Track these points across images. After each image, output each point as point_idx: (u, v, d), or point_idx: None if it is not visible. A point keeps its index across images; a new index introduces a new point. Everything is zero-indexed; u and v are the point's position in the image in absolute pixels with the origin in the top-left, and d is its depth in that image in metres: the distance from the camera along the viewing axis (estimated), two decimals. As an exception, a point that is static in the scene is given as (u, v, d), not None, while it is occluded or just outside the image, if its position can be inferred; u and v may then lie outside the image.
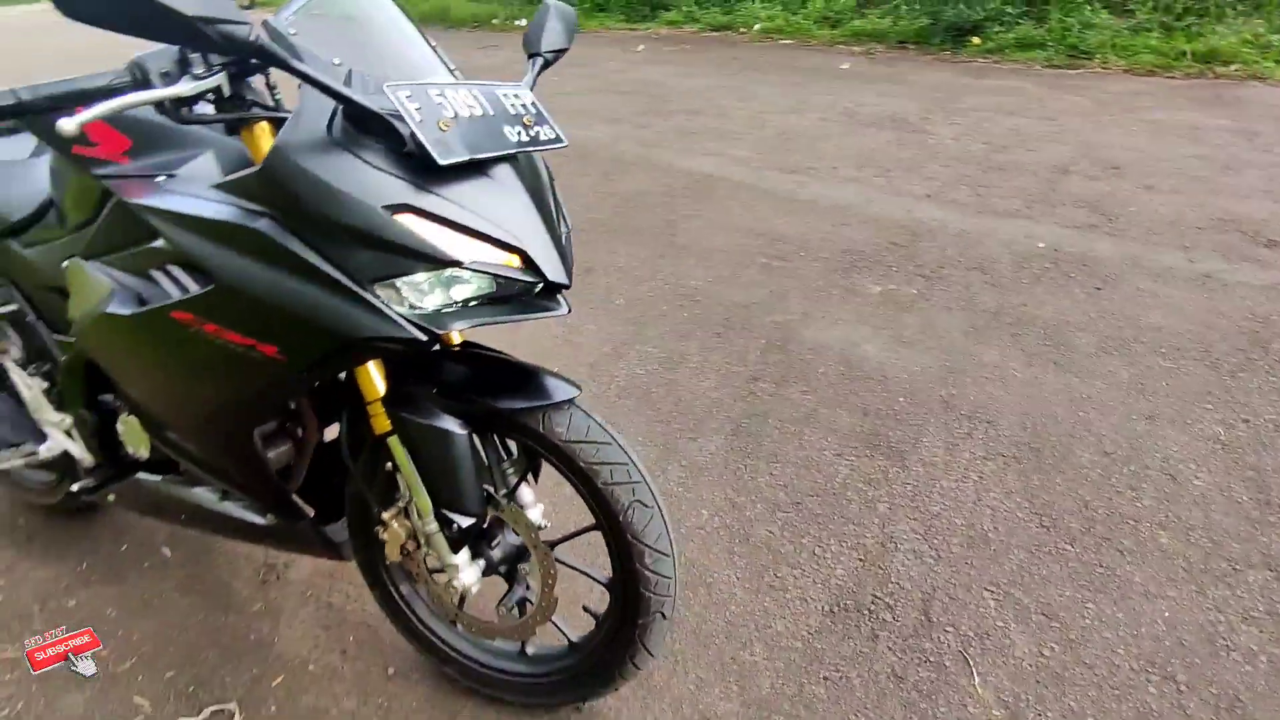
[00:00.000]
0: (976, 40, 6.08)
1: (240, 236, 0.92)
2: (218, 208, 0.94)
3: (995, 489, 1.79)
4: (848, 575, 1.59)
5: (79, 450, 1.48)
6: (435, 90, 0.91)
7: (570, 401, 1.10)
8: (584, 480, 1.10)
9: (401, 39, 1.06)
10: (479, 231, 0.93)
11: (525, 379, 1.13)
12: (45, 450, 1.52)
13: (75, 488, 1.48)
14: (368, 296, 0.90)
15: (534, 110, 1.03)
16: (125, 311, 1.06)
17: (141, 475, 1.43)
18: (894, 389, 2.17)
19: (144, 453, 1.38)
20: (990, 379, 2.18)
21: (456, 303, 0.96)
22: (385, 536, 1.21)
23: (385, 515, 1.19)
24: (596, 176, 4.00)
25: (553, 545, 1.23)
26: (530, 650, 1.34)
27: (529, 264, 0.97)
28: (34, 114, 0.88)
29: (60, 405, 1.48)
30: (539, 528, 1.21)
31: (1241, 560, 1.57)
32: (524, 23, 9.05)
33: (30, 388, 1.50)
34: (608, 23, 8.92)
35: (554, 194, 1.09)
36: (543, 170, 1.09)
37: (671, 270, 2.95)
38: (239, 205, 0.93)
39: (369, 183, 0.87)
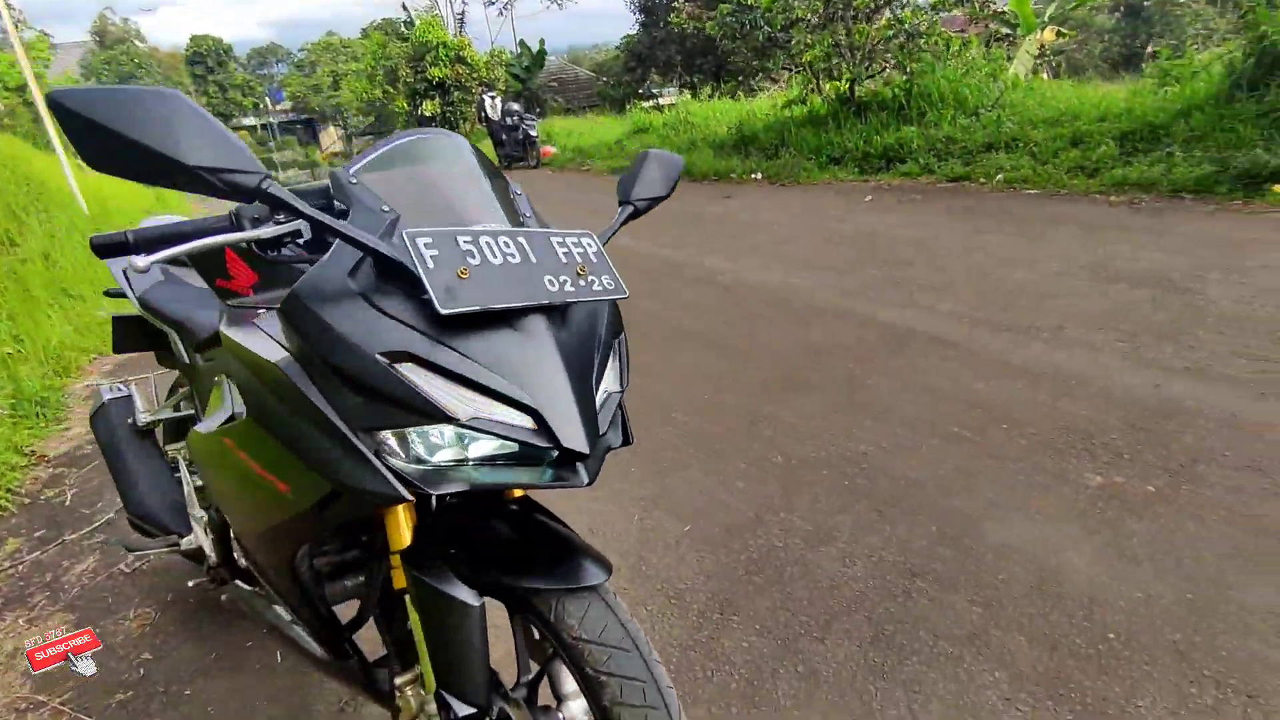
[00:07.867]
0: (1278, 187, 5.08)
1: (265, 371, 0.94)
2: (263, 344, 0.97)
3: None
4: None
5: (208, 547, 1.63)
6: (466, 237, 0.88)
7: (593, 589, 0.96)
8: (589, 690, 0.93)
9: (468, 185, 1.02)
10: (486, 387, 0.86)
11: (556, 552, 1.01)
12: (185, 543, 1.70)
13: (191, 584, 1.62)
14: (358, 444, 0.87)
15: (595, 260, 0.98)
16: (201, 430, 1.16)
17: (237, 582, 1.52)
18: (1102, 620, 1.65)
19: (245, 561, 1.47)
20: (1257, 632, 1.57)
21: (470, 460, 0.90)
22: (399, 703, 1.12)
23: (399, 680, 1.10)
24: (785, 324, 3.88)
25: None
26: None
27: (545, 426, 0.88)
28: (137, 252, 0.96)
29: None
30: None
31: None
32: (759, 176, 9.55)
33: (189, 484, 1.71)
34: (840, 174, 9.03)
35: (606, 350, 1.01)
36: (598, 325, 1.02)
37: (841, 430, 2.67)
38: (277, 342, 0.95)
39: (374, 329, 0.85)
